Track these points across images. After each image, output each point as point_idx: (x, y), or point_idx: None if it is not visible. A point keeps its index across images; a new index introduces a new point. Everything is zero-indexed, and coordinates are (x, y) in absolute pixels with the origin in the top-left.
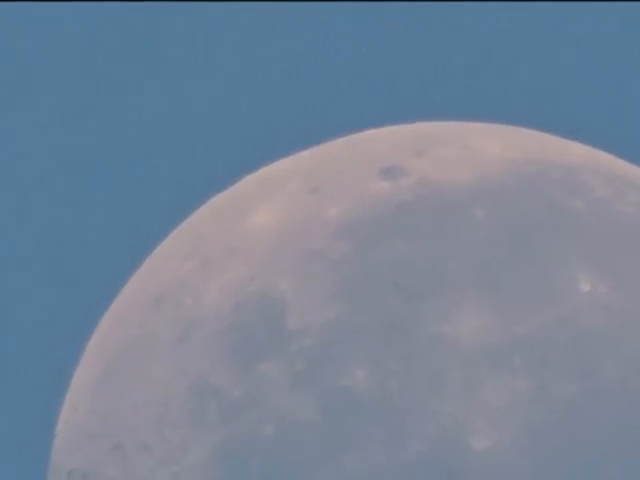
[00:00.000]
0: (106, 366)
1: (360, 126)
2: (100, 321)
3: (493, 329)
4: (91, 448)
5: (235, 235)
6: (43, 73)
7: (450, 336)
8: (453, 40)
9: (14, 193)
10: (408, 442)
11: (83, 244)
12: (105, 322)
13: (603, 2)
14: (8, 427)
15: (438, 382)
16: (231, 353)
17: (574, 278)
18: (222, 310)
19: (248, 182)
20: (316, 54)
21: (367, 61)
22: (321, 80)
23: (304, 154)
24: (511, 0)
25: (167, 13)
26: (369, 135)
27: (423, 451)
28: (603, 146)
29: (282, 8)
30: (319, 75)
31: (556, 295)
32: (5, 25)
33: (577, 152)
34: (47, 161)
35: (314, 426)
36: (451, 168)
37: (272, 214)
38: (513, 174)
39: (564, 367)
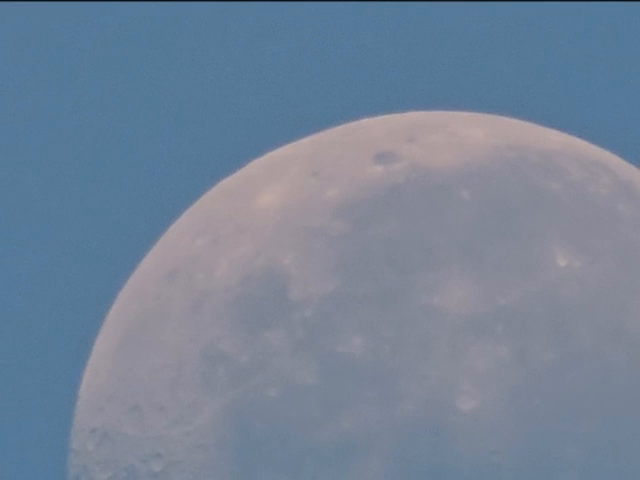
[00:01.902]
0: (124, 335)
1: (356, 115)
2: (119, 294)
3: (477, 300)
4: (111, 409)
5: (243, 214)
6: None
7: (438, 306)
8: (441, 38)
9: (38, 170)
10: (400, 403)
11: (103, 225)
12: (123, 295)
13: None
14: (36, 391)
15: (427, 348)
16: (239, 322)
17: (552, 254)
18: (231, 283)
19: (255, 166)
20: (316, 51)
21: (363, 56)
22: (320, 74)
23: (305, 141)
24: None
25: (171, 7)
26: (365, 123)
27: (413, 411)
28: (578, 133)
29: (286, 5)
30: (319, 70)
31: (535, 269)
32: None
33: (554, 138)
34: (67, 142)
35: (314, 388)
36: (439, 153)
37: (277, 195)
38: (496, 159)
39: (542, 334)
